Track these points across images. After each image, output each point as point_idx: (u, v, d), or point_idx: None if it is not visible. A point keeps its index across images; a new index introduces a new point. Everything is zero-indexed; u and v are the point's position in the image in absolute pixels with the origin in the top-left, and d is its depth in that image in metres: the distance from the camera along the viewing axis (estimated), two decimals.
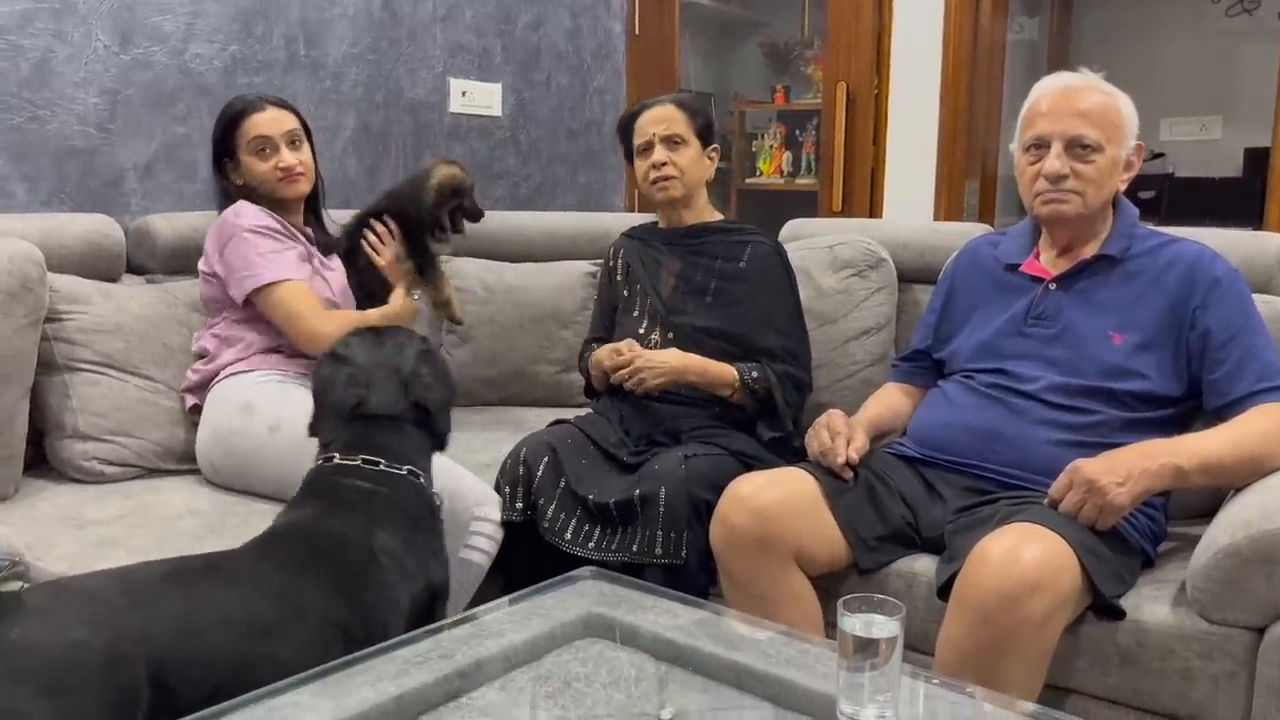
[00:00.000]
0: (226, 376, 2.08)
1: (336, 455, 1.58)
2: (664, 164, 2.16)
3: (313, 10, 2.85)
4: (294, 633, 1.32)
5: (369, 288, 2.24)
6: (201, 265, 2.15)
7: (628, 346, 2.10)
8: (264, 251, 2.06)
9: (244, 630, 1.28)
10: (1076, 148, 1.74)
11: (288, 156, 2.13)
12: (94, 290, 2.13)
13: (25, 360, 1.94)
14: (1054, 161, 1.75)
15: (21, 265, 1.91)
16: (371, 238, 2.22)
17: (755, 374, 2.10)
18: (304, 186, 2.18)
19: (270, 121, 2.12)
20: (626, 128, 2.26)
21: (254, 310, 2.09)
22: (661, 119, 2.18)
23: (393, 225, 2.23)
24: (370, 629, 1.39)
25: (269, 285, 2.04)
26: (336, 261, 2.27)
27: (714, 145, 2.25)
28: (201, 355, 2.16)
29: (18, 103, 2.30)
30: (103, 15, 2.41)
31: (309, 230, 2.25)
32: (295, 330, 2.05)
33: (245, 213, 2.09)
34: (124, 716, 1.16)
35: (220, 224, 2.11)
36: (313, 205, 2.26)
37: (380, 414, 1.62)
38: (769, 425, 2.12)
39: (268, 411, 1.98)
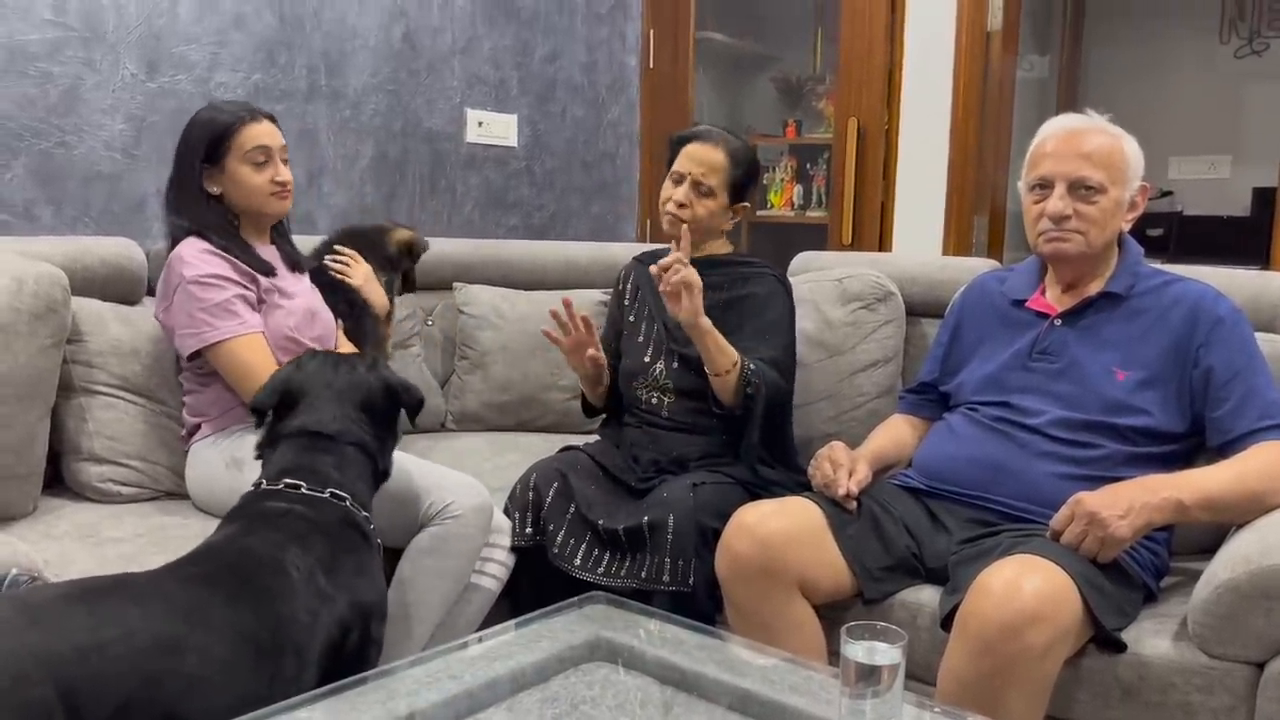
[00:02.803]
0: (205, 437, 2.06)
1: (264, 481, 1.61)
2: (682, 205, 2.16)
3: (334, 41, 2.92)
4: (202, 646, 1.30)
5: (348, 298, 2.31)
6: (155, 311, 2.09)
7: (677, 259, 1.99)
8: (208, 305, 1.96)
9: (150, 645, 1.26)
10: (1080, 189, 1.77)
11: (285, 171, 2.08)
12: (112, 314, 2.16)
13: (48, 381, 1.98)
14: (1057, 202, 1.78)
15: (48, 288, 1.95)
16: (337, 263, 2.29)
17: (753, 366, 2.04)
18: (289, 204, 2.14)
19: (271, 133, 2.07)
20: (677, 146, 2.23)
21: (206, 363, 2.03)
22: (703, 161, 2.15)
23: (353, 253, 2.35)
24: (280, 640, 1.38)
25: (214, 345, 1.97)
26: (303, 282, 2.20)
27: (744, 203, 2.23)
28: (185, 391, 2.11)
29: (46, 128, 2.36)
30: (131, 45, 2.48)
31: (267, 255, 2.12)
32: (243, 391, 1.97)
33: (190, 259, 1.98)
34: None
35: (168, 271, 2.02)
36: (279, 224, 2.20)
37: (314, 431, 1.65)
38: (737, 435, 2.11)
39: (257, 462, 1.94)
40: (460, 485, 1.92)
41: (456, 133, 3.29)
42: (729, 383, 2.03)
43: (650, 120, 3.91)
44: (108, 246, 2.27)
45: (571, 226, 3.70)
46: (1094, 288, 1.86)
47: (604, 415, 2.41)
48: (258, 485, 1.62)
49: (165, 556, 1.77)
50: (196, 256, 1.99)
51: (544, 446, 2.54)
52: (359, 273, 2.34)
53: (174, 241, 2.07)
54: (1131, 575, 1.63)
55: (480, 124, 3.35)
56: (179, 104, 2.58)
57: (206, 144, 2.03)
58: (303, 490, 1.58)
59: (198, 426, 2.07)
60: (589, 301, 2.82)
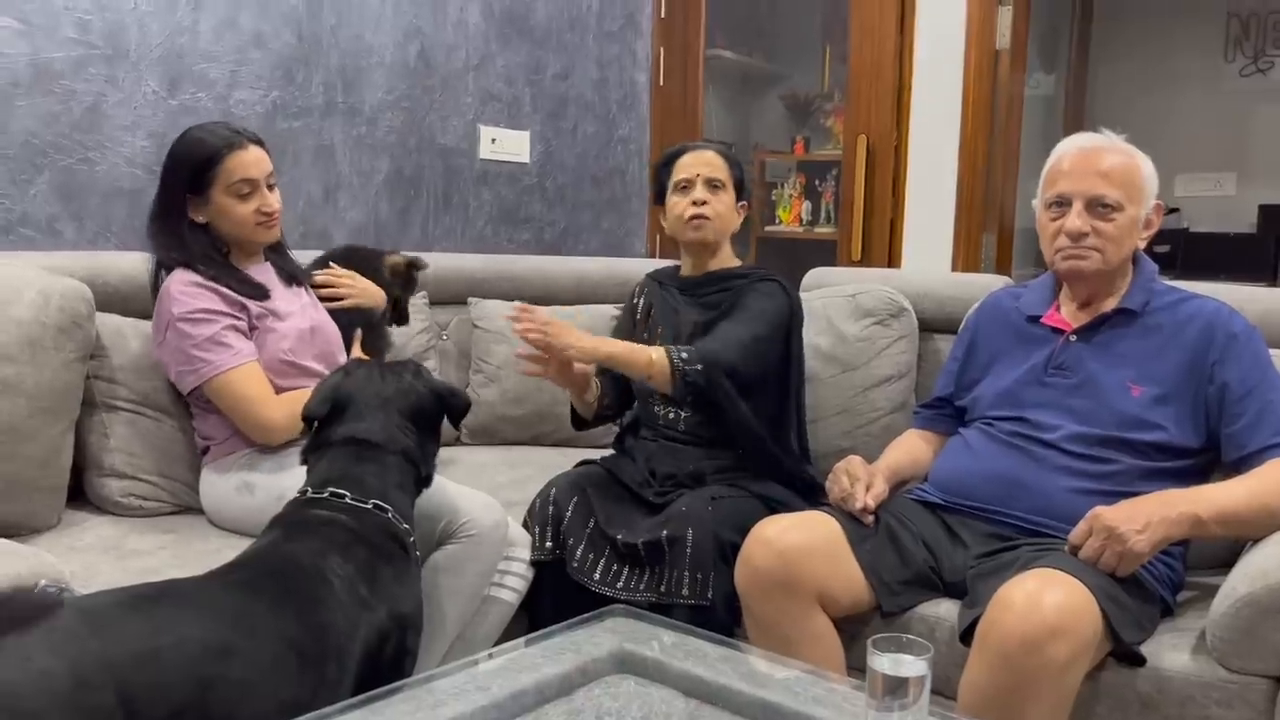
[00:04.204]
0: (213, 460, 2.05)
1: (309, 490, 1.63)
2: (703, 203, 2.19)
3: (351, 59, 2.95)
4: (249, 652, 1.32)
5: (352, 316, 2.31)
6: (152, 347, 2.06)
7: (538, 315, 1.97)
8: (199, 341, 1.94)
9: (201, 651, 1.29)
10: (1097, 206, 1.80)
11: (271, 200, 2.03)
12: (133, 330, 2.16)
13: (72, 395, 2.00)
14: (1075, 220, 1.80)
15: (73, 303, 1.97)
16: (328, 284, 2.27)
17: (685, 354, 2.01)
18: (278, 232, 2.09)
19: (255, 162, 2.00)
20: (665, 165, 2.27)
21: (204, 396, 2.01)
22: (707, 162, 2.22)
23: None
24: (323, 647, 1.40)
25: (210, 380, 1.95)
26: (301, 297, 2.18)
27: (744, 201, 2.29)
28: (193, 415, 2.10)
29: (70, 144, 2.38)
30: (153, 62, 2.51)
31: (260, 277, 2.09)
32: (244, 422, 1.98)
33: (177, 295, 1.95)
34: None
35: (159, 308, 2.00)
36: (274, 245, 2.15)
37: (361, 439, 1.67)
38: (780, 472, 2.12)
39: (269, 484, 1.96)
40: (477, 503, 1.93)
41: (470, 149, 3.31)
42: (660, 378, 2.01)
43: (660, 137, 3.94)
44: (129, 262, 2.29)
45: (582, 241, 3.72)
46: (1109, 304, 1.88)
47: (618, 428, 2.42)
48: (302, 493, 1.63)
49: (188, 570, 1.78)
50: (183, 291, 1.96)
51: (559, 460, 2.55)
52: (346, 290, 2.30)
53: (160, 267, 2.06)
54: (1149, 589, 1.64)
55: (493, 140, 3.38)
56: (199, 121, 2.59)
57: (190, 173, 1.99)
58: (347, 500, 1.60)
59: (206, 449, 2.08)
60: (601, 317, 2.84)
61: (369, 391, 1.74)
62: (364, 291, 2.33)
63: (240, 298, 2.01)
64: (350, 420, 1.71)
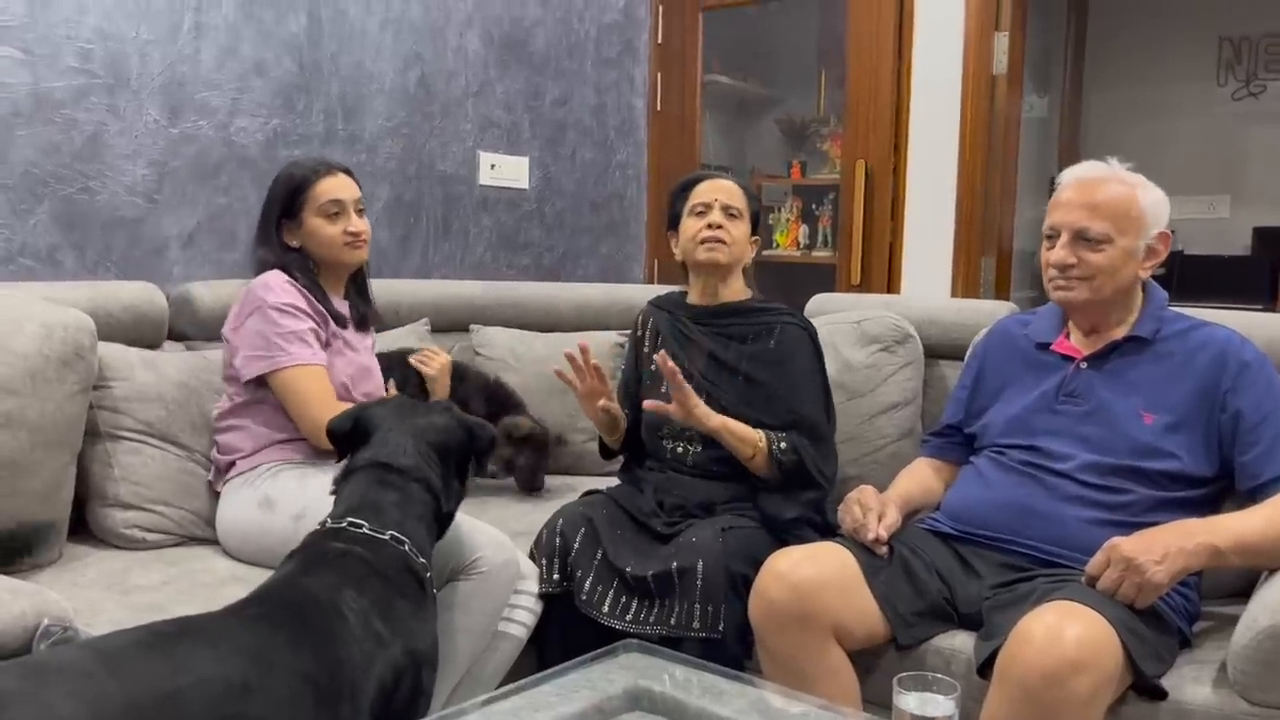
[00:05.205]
0: (238, 474, 2.06)
1: (329, 520, 1.62)
2: (720, 227, 2.17)
3: (351, 86, 2.94)
4: (267, 689, 1.30)
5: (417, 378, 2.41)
6: (224, 330, 2.13)
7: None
8: (284, 332, 2.03)
9: (222, 691, 1.27)
10: (1083, 239, 1.80)
11: (357, 222, 2.16)
12: (137, 359, 2.16)
13: (75, 427, 1.97)
14: (1059, 251, 1.82)
15: (75, 334, 1.95)
16: (430, 360, 2.39)
17: (783, 444, 2.09)
18: (365, 254, 2.20)
19: (344, 186, 2.15)
20: (682, 191, 2.26)
21: (263, 391, 2.07)
22: (726, 190, 2.20)
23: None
24: (339, 684, 1.38)
25: (284, 369, 2.02)
26: (366, 340, 2.27)
27: (758, 236, 2.27)
28: (218, 430, 2.13)
29: (70, 174, 2.37)
30: (154, 91, 2.50)
31: (339, 306, 2.20)
32: (302, 418, 2.03)
33: (274, 286, 2.06)
34: None
35: (248, 294, 2.08)
36: (357, 277, 2.27)
37: (384, 463, 1.66)
38: (797, 497, 2.11)
39: (289, 501, 1.97)
40: (487, 540, 1.91)
41: (470, 175, 3.31)
42: (758, 464, 2.08)
43: (658, 161, 3.95)
44: (130, 291, 2.28)
45: (580, 267, 3.72)
46: (1119, 332, 1.87)
47: (623, 458, 2.40)
48: (323, 524, 1.61)
49: (193, 605, 1.76)
50: (280, 285, 2.07)
51: (563, 487, 2.54)
52: (436, 364, 2.43)
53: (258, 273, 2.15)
54: (1167, 620, 1.63)
55: (493, 166, 3.38)
56: (199, 149, 2.60)
57: (284, 198, 2.13)
58: (364, 530, 1.57)
59: (231, 464, 2.08)
60: (605, 343, 2.83)
61: (398, 419, 1.75)
62: (443, 384, 2.42)
63: (325, 311, 2.12)
64: (376, 445, 1.71)
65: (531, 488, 2.56)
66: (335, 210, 2.12)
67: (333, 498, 1.70)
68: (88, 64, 2.38)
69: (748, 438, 2.07)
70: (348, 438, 1.77)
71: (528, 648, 2.03)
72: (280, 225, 2.14)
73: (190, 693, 1.24)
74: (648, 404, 2.04)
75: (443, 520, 1.74)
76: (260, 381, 2.05)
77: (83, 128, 2.38)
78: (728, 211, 2.18)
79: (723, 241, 2.16)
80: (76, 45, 2.35)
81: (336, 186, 2.13)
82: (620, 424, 2.26)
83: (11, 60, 2.26)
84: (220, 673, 1.28)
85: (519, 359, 2.80)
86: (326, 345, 2.11)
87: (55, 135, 2.34)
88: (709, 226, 2.16)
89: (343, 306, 2.21)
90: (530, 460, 2.54)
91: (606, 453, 2.39)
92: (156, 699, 1.21)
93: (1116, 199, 1.81)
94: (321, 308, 2.11)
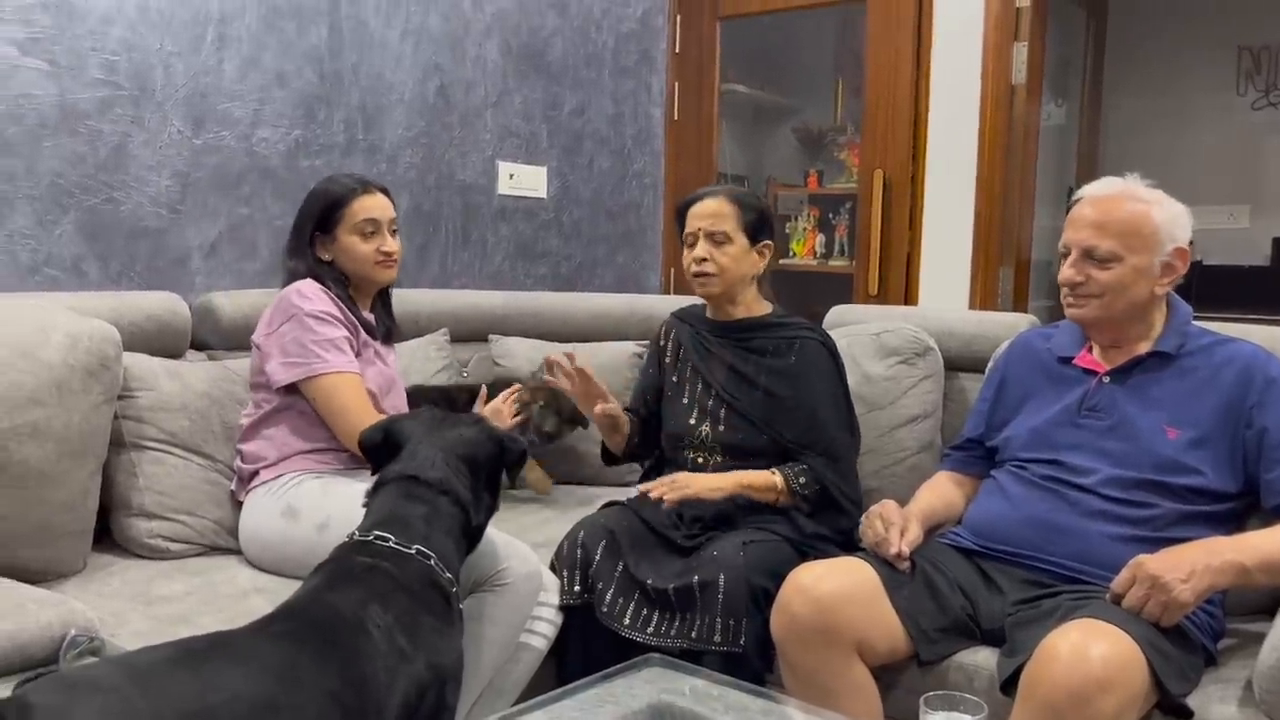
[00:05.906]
0: (261, 483, 2.07)
1: (357, 533, 1.62)
2: (704, 260, 2.16)
3: (371, 96, 2.96)
4: (295, 707, 1.31)
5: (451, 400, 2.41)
6: (255, 336, 2.13)
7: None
8: (320, 339, 2.04)
9: (250, 709, 1.27)
10: (1090, 257, 1.80)
11: (391, 242, 2.17)
12: (161, 369, 2.17)
13: (100, 437, 1.99)
14: (1067, 270, 1.84)
15: (100, 345, 1.96)
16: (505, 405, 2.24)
17: (803, 479, 2.10)
18: (395, 273, 2.22)
19: (381, 206, 2.17)
20: (681, 214, 2.25)
21: (291, 398, 2.07)
22: (710, 214, 2.16)
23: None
24: (363, 701, 1.38)
25: (320, 376, 2.03)
26: (391, 354, 2.29)
27: (766, 242, 2.21)
28: (242, 438, 2.14)
29: (95, 185, 2.39)
30: (178, 102, 2.51)
31: (369, 317, 2.23)
32: (340, 424, 2.03)
33: (309, 294, 2.07)
34: None
35: (282, 300, 2.09)
36: (384, 293, 2.28)
37: (413, 476, 1.66)
38: (826, 520, 2.12)
39: (313, 510, 1.97)
40: (513, 551, 1.91)
41: (488, 185, 3.32)
42: (785, 502, 2.11)
43: (675, 171, 3.95)
44: (153, 301, 2.30)
45: (598, 276, 3.72)
46: (1142, 347, 1.87)
47: (643, 468, 2.40)
48: (351, 537, 1.62)
49: (216, 616, 1.78)
50: (315, 293, 2.09)
51: (582, 497, 2.55)
52: (499, 412, 2.21)
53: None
54: (1192, 639, 1.62)
55: (511, 176, 3.39)
56: (222, 160, 2.62)
57: (320, 213, 2.15)
58: (391, 544, 1.58)
59: (254, 474, 2.09)
60: (624, 354, 2.84)
61: (428, 432, 1.75)
62: (494, 414, 2.36)
63: (356, 321, 2.14)
64: (406, 458, 1.71)
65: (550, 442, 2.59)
66: (371, 230, 2.14)
67: (359, 508, 1.70)
68: (113, 76, 2.39)
69: (767, 485, 2.10)
70: (379, 450, 1.77)
71: (547, 659, 2.03)
72: (314, 239, 2.16)
73: (220, 711, 1.24)
74: (641, 487, 2.06)
75: (472, 534, 1.74)
76: (291, 389, 2.06)
77: (107, 139, 2.40)
78: (713, 239, 2.16)
79: (710, 274, 2.16)
80: (102, 57, 2.37)
81: (374, 206, 2.15)
82: (622, 427, 2.28)
83: (38, 72, 2.28)
84: (249, 691, 1.28)
85: (538, 369, 2.80)
86: (358, 354, 2.12)
87: (80, 146, 2.35)
88: (695, 261, 2.17)
89: (370, 319, 2.23)
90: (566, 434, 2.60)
91: (609, 458, 2.39)
92: (185, 717, 1.21)
93: (1127, 217, 1.80)
94: (354, 317, 2.13)
